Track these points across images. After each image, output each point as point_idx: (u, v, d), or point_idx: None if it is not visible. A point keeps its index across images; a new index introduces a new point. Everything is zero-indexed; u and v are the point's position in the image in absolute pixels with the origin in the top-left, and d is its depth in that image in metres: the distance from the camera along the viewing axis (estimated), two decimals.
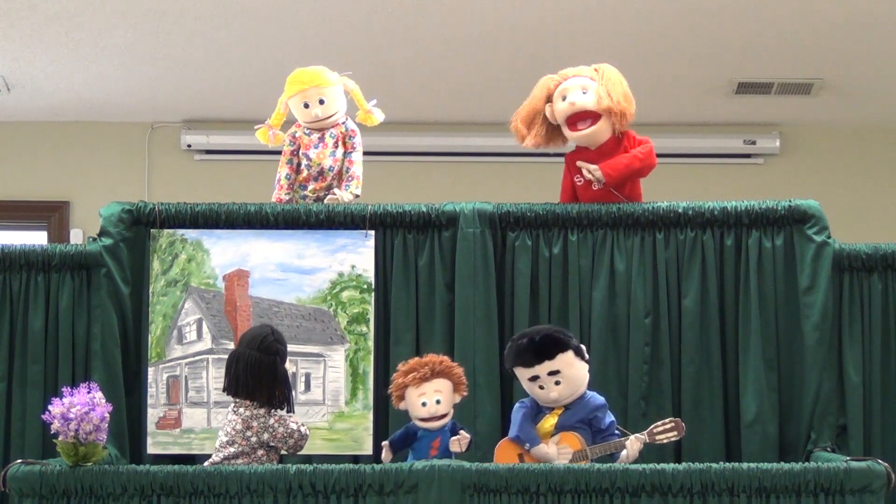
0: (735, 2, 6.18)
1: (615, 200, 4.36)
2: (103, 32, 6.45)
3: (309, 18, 6.33)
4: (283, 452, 3.92)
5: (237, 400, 3.88)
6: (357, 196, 4.43)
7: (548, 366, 3.94)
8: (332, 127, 4.47)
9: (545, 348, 3.95)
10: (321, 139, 4.46)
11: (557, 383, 3.94)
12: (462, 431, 3.95)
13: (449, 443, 3.93)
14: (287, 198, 4.45)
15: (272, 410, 3.87)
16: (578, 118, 4.39)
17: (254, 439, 3.84)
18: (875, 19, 6.34)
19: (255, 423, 3.85)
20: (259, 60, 6.77)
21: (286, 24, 6.39)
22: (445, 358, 4.01)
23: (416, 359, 4.01)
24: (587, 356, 4.00)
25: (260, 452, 3.85)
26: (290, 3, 6.18)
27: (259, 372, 3.86)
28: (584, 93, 4.38)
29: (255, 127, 4.55)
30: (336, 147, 4.46)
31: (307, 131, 4.47)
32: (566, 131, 4.42)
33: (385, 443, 4.00)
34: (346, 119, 4.51)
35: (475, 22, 6.37)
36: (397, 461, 3.93)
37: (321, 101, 4.45)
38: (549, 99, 4.45)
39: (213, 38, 6.53)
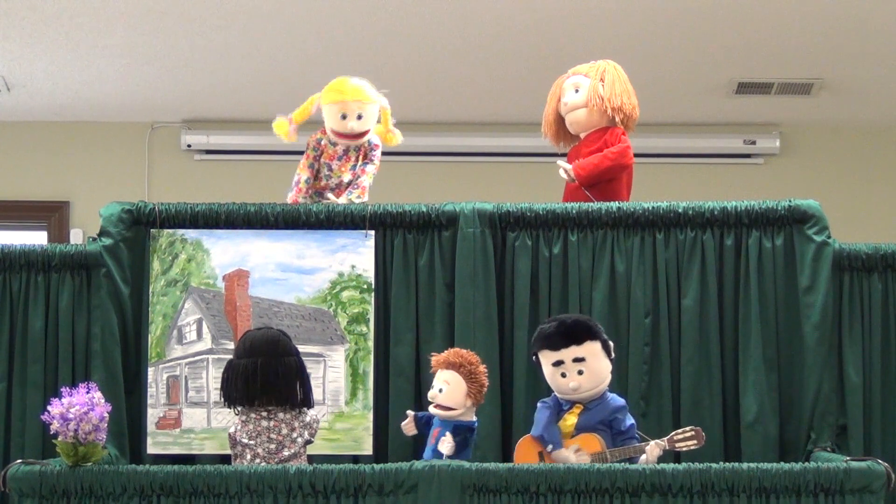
0: (735, 2, 6.18)
1: (586, 199, 4.41)
2: (103, 32, 6.45)
3: (309, 19, 6.33)
4: (313, 441, 3.93)
5: (270, 407, 3.87)
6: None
7: (574, 351, 3.93)
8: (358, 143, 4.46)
9: (574, 332, 3.96)
10: (345, 152, 4.44)
11: (580, 372, 3.93)
12: (448, 434, 3.88)
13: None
14: (304, 201, 4.43)
15: (302, 408, 3.90)
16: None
17: (300, 440, 3.87)
18: (875, 19, 6.34)
19: (296, 424, 3.87)
20: (259, 60, 6.77)
21: (286, 25, 6.39)
22: (476, 359, 3.98)
23: (458, 349, 4.01)
24: (612, 355, 4.00)
25: (303, 450, 3.88)
26: (290, 4, 6.18)
27: (289, 375, 3.87)
28: (575, 91, 4.55)
29: (278, 117, 4.48)
30: (357, 161, 4.44)
31: (332, 142, 4.44)
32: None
33: (410, 412, 4.02)
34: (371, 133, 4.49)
35: (476, 22, 6.38)
36: (401, 453, 3.96)
37: (359, 117, 4.39)
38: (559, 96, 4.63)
39: (213, 38, 6.54)
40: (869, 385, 4.26)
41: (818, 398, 4.19)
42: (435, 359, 4.01)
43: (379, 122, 4.47)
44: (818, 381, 4.19)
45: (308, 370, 3.95)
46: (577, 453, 3.87)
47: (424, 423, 4.01)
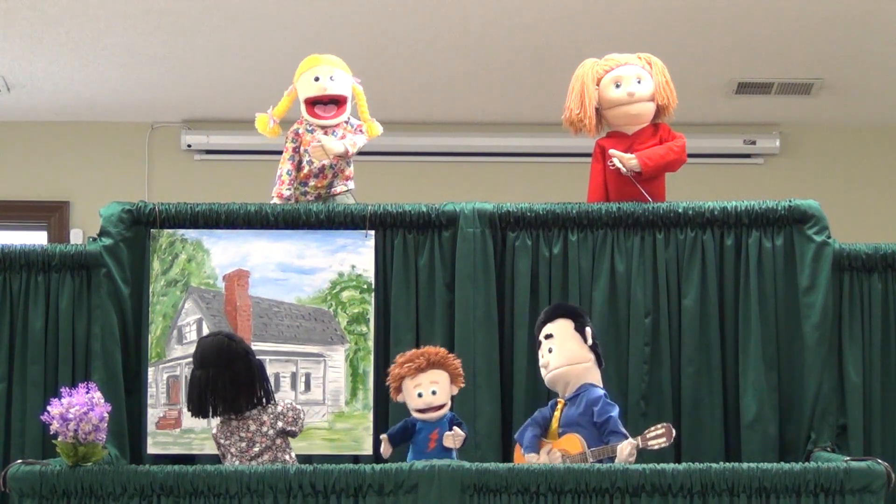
0: (735, 2, 6.18)
1: (637, 194, 4.36)
2: (103, 32, 6.45)
3: (309, 18, 6.33)
4: (294, 431, 3.88)
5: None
6: (348, 151, 4.36)
7: (547, 328, 4.00)
8: (336, 125, 4.43)
9: (549, 312, 4.05)
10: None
11: (550, 350, 3.97)
12: (456, 428, 3.92)
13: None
14: (288, 193, 4.43)
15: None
16: None
17: (271, 432, 3.85)
18: (875, 19, 6.34)
19: (265, 417, 3.85)
20: (259, 60, 6.77)
21: (286, 25, 6.39)
22: (442, 349, 4.01)
23: (414, 350, 4.02)
24: (591, 341, 3.98)
25: (279, 441, 3.86)
26: (290, 4, 6.18)
27: (238, 382, 3.82)
28: (638, 82, 4.42)
29: (257, 114, 4.51)
30: None
31: (310, 128, 4.45)
32: (609, 114, 4.44)
33: (384, 436, 3.99)
34: (349, 118, 4.48)
35: (475, 22, 6.38)
36: (397, 456, 3.94)
37: (332, 78, 4.43)
38: (596, 84, 4.46)
39: (213, 38, 6.54)
40: (869, 385, 4.26)
41: (818, 398, 4.19)
42: (404, 368, 3.95)
43: (357, 118, 4.47)
44: (818, 381, 4.19)
45: (309, 370, 3.94)
46: (550, 454, 3.87)
47: (399, 437, 3.98)
